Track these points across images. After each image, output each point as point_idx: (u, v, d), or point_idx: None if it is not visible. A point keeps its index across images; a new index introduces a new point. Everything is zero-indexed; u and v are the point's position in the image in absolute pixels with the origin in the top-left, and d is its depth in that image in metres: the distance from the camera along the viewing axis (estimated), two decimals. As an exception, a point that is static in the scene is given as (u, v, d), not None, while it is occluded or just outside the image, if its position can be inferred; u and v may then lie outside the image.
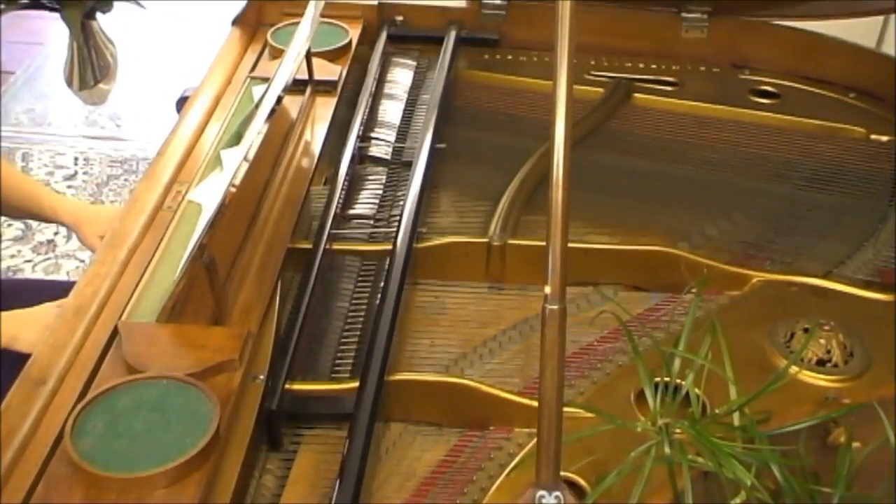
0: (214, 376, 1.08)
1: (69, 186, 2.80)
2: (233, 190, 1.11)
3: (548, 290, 0.88)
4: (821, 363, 1.20)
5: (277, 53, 1.65)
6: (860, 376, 1.19)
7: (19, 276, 2.48)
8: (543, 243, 1.32)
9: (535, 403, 1.11)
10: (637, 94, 1.75)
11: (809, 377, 1.19)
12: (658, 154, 1.62)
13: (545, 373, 0.88)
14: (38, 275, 2.50)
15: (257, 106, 1.28)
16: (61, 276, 2.48)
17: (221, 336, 1.12)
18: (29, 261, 2.54)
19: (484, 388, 1.14)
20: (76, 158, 2.88)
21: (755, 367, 1.20)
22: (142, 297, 1.18)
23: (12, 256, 2.54)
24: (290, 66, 1.27)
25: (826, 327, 1.22)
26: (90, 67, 2.33)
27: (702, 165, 1.60)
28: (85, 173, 2.84)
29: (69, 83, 2.35)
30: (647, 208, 1.50)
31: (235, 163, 1.17)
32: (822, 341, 1.21)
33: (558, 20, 0.88)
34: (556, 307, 0.88)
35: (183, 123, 1.55)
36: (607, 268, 1.36)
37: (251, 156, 1.17)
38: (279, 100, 1.22)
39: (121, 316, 1.17)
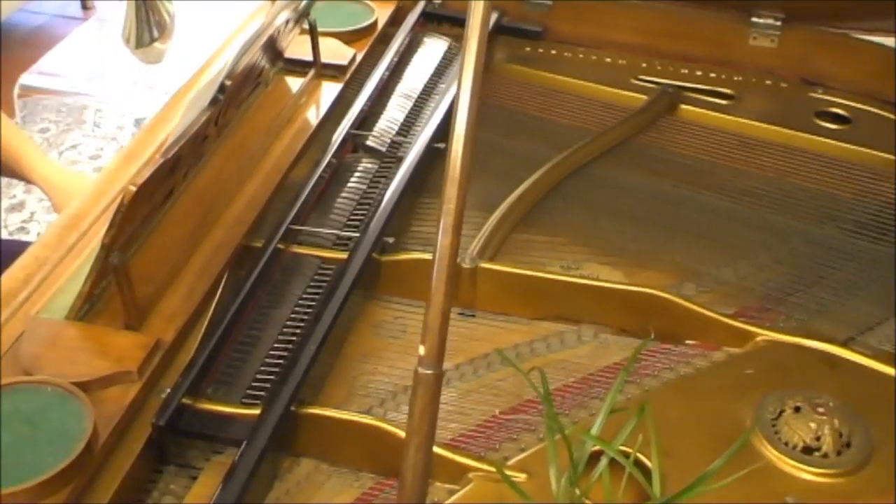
0: (108, 387, 0.99)
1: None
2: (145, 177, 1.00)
3: (422, 350, 0.75)
4: (807, 451, 1.03)
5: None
6: (852, 473, 1.02)
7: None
8: (521, 271, 1.23)
9: (460, 458, 1.01)
10: (684, 106, 1.58)
11: (789, 466, 1.02)
12: (688, 177, 1.45)
13: (409, 450, 0.76)
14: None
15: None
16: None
17: (126, 343, 1.03)
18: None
19: (401, 433, 1.01)
20: (138, 119, 2.85)
21: (727, 445, 1.04)
22: (62, 290, 1.10)
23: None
24: (242, 49, 1.15)
25: (821, 409, 1.05)
26: (146, 25, 2.29)
27: (735, 195, 1.42)
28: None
29: (126, 41, 2.31)
30: (660, 239, 1.34)
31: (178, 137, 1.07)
32: (813, 425, 1.04)
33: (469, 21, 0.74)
34: (430, 372, 0.75)
35: (177, 98, 1.47)
36: (592, 306, 1.21)
37: (186, 134, 1.06)
38: (222, 87, 1.11)
39: (40, 308, 1.09)
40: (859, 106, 1.60)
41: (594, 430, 0.85)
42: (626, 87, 1.61)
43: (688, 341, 1.19)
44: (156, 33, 2.34)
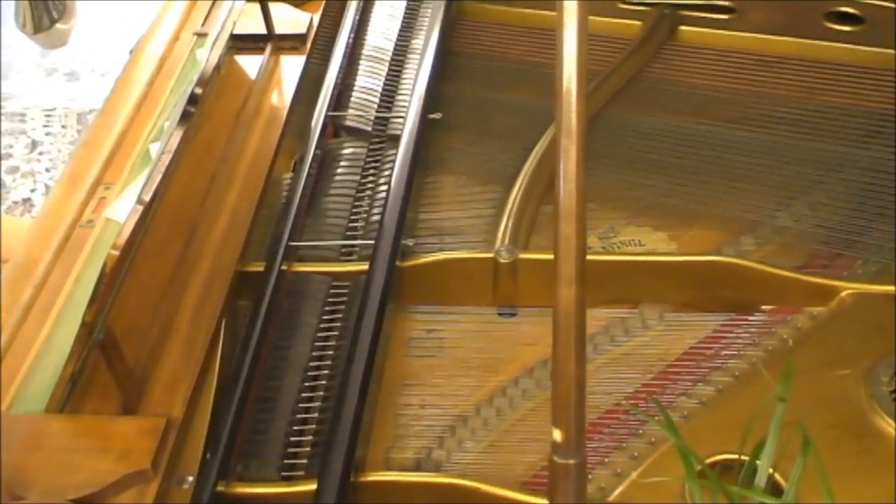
0: (119, 493, 0.80)
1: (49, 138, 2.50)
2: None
3: (557, 435, 0.58)
4: (937, 420, 0.90)
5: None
6: None
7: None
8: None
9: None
10: (684, 27, 1.40)
11: (926, 446, 0.88)
12: (711, 110, 1.28)
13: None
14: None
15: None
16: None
17: (130, 431, 0.84)
18: (1, 223, 2.27)
19: (484, 488, 0.85)
20: (46, 111, 2.56)
21: (849, 433, 0.90)
22: (34, 370, 0.90)
23: (-17, 217, 2.26)
24: (209, 46, 0.95)
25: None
26: (43, 6, 2.03)
27: (766, 124, 1.26)
28: (63, 126, 2.53)
29: (22, 27, 2.05)
30: (697, 188, 1.18)
31: (152, 172, 0.88)
32: (940, 391, 0.91)
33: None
34: (571, 462, 0.58)
35: (116, 98, 1.25)
36: (650, 283, 1.05)
37: (162, 168, 0.86)
38: (194, 98, 0.91)
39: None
40: (869, 1, 1.44)
41: (759, 481, 0.70)
42: (616, 14, 1.43)
43: (764, 307, 1.04)
44: (55, 14, 2.08)
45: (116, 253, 0.76)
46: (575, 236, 0.56)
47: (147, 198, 0.80)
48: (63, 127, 2.55)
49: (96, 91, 2.54)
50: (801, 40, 1.37)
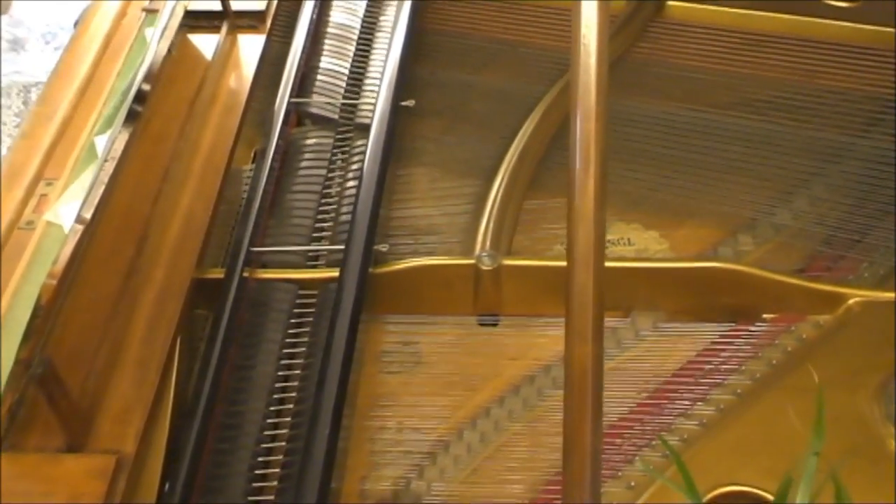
0: (64, 545, 0.72)
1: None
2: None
3: (569, 511, 0.50)
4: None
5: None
6: None
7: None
8: (553, 263, 0.98)
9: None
10: (672, 3, 1.31)
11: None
12: (703, 95, 1.20)
13: None
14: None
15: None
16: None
17: (77, 472, 0.75)
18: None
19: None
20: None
21: (864, 458, 0.83)
22: (-34, 402, 0.80)
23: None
24: (158, 36, 0.85)
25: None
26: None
27: (761, 110, 1.18)
28: (8, 97, 2.39)
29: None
30: (690, 181, 1.11)
31: (97, 177, 0.78)
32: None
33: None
34: (584, 541, 0.50)
35: (57, 82, 1.14)
36: (643, 290, 0.98)
37: (108, 172, 0.77)
38: (141, 96, 0.81)
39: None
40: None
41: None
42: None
43: (765, 315, 0.97)
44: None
45: (53, 282, 0.66)
46: (592, 286, 0.47)
47: (89, 214, 0.70)
48: (8, 98, 2.41)
49: (43, 62, 2.40)
50: (797, 17, 1.29)
